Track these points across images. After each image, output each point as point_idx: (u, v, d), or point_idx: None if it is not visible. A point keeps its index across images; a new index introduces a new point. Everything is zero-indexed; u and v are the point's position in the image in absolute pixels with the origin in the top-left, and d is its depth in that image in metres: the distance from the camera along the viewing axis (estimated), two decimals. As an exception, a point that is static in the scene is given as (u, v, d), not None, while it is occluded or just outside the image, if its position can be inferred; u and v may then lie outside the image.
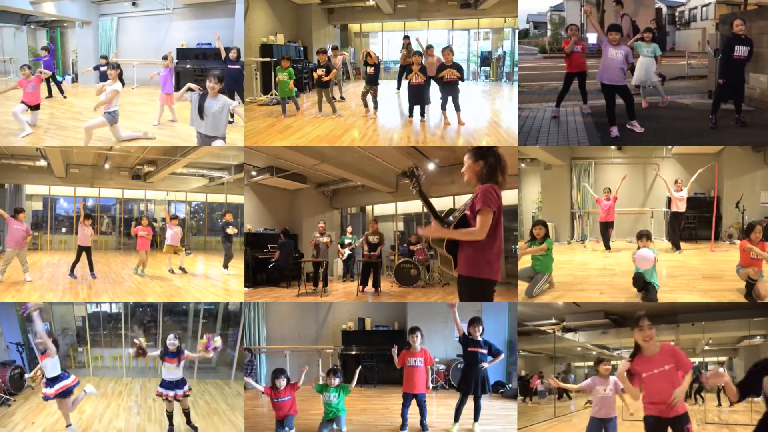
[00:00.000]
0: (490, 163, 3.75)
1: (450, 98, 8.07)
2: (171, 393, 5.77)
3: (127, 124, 7.84)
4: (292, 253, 10.44)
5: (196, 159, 10.55)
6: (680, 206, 9.08)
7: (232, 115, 7.44)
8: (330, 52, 9.99)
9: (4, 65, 12.38)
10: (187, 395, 5.94)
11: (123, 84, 7.33)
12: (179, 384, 5.83)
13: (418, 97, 8.34)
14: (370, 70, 8.87)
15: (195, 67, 10.57)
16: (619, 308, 8.21)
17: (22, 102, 7.79)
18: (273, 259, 10.22)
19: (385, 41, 14.74)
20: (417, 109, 8.35)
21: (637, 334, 4.06)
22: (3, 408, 7.02)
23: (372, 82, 8.82)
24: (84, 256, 8.52)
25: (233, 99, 8.56)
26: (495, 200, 3.63)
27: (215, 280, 9.21)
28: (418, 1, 13.44)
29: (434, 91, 8.97)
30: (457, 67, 8.05)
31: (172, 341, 5.85)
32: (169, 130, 8.15)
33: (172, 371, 5.83)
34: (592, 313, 8.54)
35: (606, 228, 9.68)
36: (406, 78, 8.42)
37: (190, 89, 6.49)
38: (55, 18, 12.90)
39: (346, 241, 10.73)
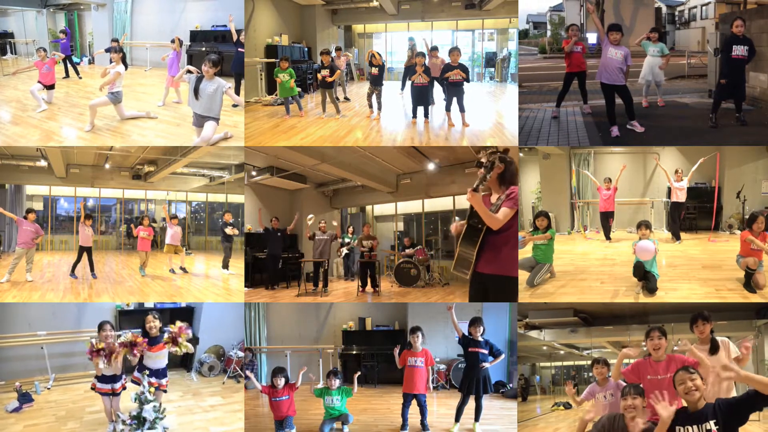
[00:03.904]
0: (511, 169, 3.88)
1: (455, 99, 8.05)
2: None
3: (135, 105, 8.24)
4: (281, 244, 10.13)
5: (197, 159, 10.56)
6: (680, 196, 9.09)
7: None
8: (333, 53, 9.99)
9: (26, 47, 12.95)
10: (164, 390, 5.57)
11: (126, 67, 7.80)
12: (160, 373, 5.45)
13: (421, 98, 8.33)
14: (374, 71, 8.87)
15: (209, 49, 10.53)
16: (589, 306, 8.13)
17: (39, 82, 8.29)
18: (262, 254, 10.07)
19: (389, 42, 14.74)
20: (420, 110, 8.35)
21: (648, 343, 4.43)
22: (232, 381, 7.79)
23: (376, 82, 8.82)
24: (85, 256, 8.59)
25: (240, 82, 8.79)
26: (517, 203, 3.82)
27: (216, 279, 9.22)
28: (422, 2, 13.42)
29: (438, 92, 8.99)
30: (464, 69, 8.03)
31: (151, 323, 5.39)
32: (173, 110, 8.32)
33: (153, 359, 5.44)
34: (559, 311, 8.32)
35: (606, 218, 9.69)
36: (410, 79, 8.42)
37: (189, 71, 6.74)
38: (72, 1, 13.19)
39: (347, 240, 10.75)
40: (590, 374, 5.29)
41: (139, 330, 5.50)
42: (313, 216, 9.52)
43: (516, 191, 3.83)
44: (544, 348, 9.61)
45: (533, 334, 8.98)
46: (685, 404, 3.61)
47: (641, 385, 4.05)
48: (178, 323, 5.53)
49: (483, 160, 3.77)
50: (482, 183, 3.67)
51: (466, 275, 3.91)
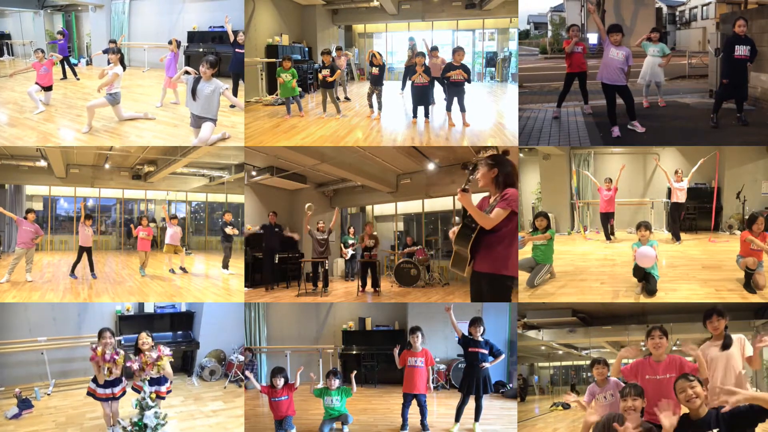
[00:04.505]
0: (506, 171, 3.93)
1: (455, 99, 8.03)
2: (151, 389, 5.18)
3: (133, 106, 8.26)
4: (278, 240, 9.99)
5: (197, 159, 10.56)
6: (680, 197, 9.08)
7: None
8: (334, 53, 9.98)
9: (24, 48, 12.94)
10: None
11: (124, 68, 7.76)
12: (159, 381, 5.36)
13: (422, 97, 8.32)
14: (374, 70, 8.86)
15: (206, 50, 10.54)
16: (588, 306, 8.08)
17: (36, 83, 8.22)
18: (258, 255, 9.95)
19: (390, 42, 14.74)
20: (421, 110, 8.34)
21: (649, 343, 4.41)
22: (234, 385, 7.72)
23: (377, 82, 8.82)
24: (85, 256, 8.59)
25: (238, 83, 8.80)
26: (516, 204, 3.86)
27: (216, 279, 9.21)
28: (423, 2, 13.42)
29: (438, 92, 8.98)
30: (466, 69, 7.99)
31: (144, 340, 5.29)
32: (171, 111, 8.34)
33: None
34: (557, 311, 8.27)
35: (607, 219, 9.68)
36: (410, 79, 8.41)
37: (186, 72, 6.72)
38: (69, 2, 13.16)
39: (350, 242, 10.74)
40: (589, 374, 5.24)
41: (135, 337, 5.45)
42: (311, 204, 9.47)
43: (510, 193, 3.86)
44: (543, 348, 9.56)
45: (531, 334, 8.93)
46: (686, 411, 3.60)
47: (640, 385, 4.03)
48: (159, 349, 5.36)
49: (470, 165, 3.96)
50: (468, 183, 3.79)
51: (461, 273, 3.99)
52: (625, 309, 7.98)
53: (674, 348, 7.18)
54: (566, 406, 8.34)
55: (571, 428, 7.28)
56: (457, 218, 10.83)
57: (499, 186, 3.94)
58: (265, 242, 9.88)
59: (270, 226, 9.90)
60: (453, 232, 4.05)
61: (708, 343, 4.50)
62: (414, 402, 5.97)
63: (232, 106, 7.87)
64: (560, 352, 9.88)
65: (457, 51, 8.04)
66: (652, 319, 7.87)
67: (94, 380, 5.34)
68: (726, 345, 4.39)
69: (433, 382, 8.07)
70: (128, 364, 5.26)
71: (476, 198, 4.14)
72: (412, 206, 12.51)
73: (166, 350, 5.34)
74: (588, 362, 7.62)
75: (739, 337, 4.47)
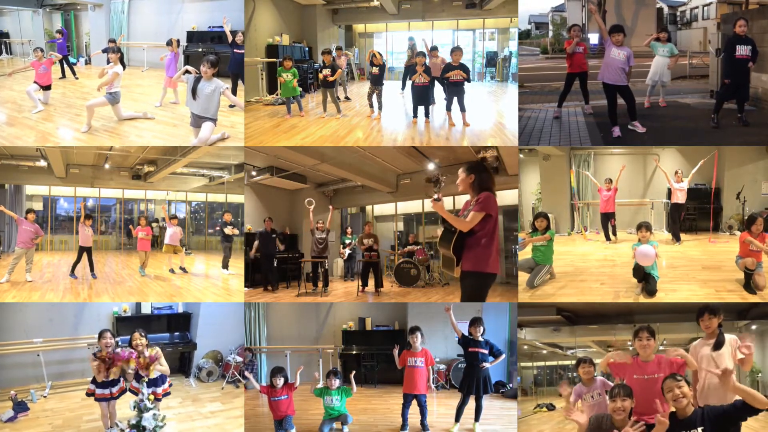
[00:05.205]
0: (482, 177, 4.22)
1: (455, 99, 8.02)
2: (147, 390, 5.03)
3: (132, 105, 8.25)
4: (275, 244, 9.97)
5: (196, 159, 10.55)
6: (680, 197, 9.07)
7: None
8: (334, 53, 9.97)
9: (22, 47, 12.89)
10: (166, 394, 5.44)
11: (124, 67, 7.76)
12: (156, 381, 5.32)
13: (422, 97, 8.32)
14: (375, 70, 8.86)
15: (205, 50, 10.51)
16: (573, 305, 8.03)
17: (35, 82, 8.19)
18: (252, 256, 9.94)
19: (390, 42, 14.73)
20: (421, 109, 8.33)
21: (636, 343, 4.39)
22: (231, 386, 7.79)
23: (377, 82, 8.82)
24: (84, 256, 8.58)
25: (237, 83, 8.79)
26: (492, 206, 4.12)
27: (215, 279, 9.20)
28: (423, 2, 13.42)
29: (438, 91, 8.97)
30: (465, 69, 7.98)
31: (137, 341, 5.26)
32: (171, 111, 8.33)
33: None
34: (541, 309, 8.28)
35: (607, 219, 9.67)
36: (410, 79, 8.41)
37: (187, 71, 6.71)
38: (68, 1, 13.15)
39: (347, 241, 10.72)
40: (574, 374, 5.14)
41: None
42: (311, 199, 9.54)
43: (484, 196, 4.10)
44: (525, 347, 9.43)
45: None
46: (673, 410, 3.61)
47: (629, 386, 4.01)
48: (150, 352, 5.30)
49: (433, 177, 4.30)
50: (436, 194, 4.17)
51: (451, 272, 4.29)
52: (612, 308, 7.92)
53: (661, 348, 7.16)
54: (551, 408, 8.23)
55: (556, 430, 7.23)
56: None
57: (475, 190, 4.21)
58: (262, 249, 9.84)
59: (266, 233, 9.85)
60: (437, 235, 4.19)
61: (701, 341, 4.48)
62: (414, 402, 5.97)
63: (232, 106, 7.87)
64: (544, 351, 9.77)
65: (455, 51, 8.05)
66: (639, 318, 7.81)
67: (93, 380, 5.33)
68: (719, 344, 4.35)
69: (433, 382, 8.07)
70: (119, 352, 5.19)
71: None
72: (412, 206, 12.50)
73: (153, 352, 5.27)
74: (573, 362, 7.53)
75: (732, 337, 4.44)
